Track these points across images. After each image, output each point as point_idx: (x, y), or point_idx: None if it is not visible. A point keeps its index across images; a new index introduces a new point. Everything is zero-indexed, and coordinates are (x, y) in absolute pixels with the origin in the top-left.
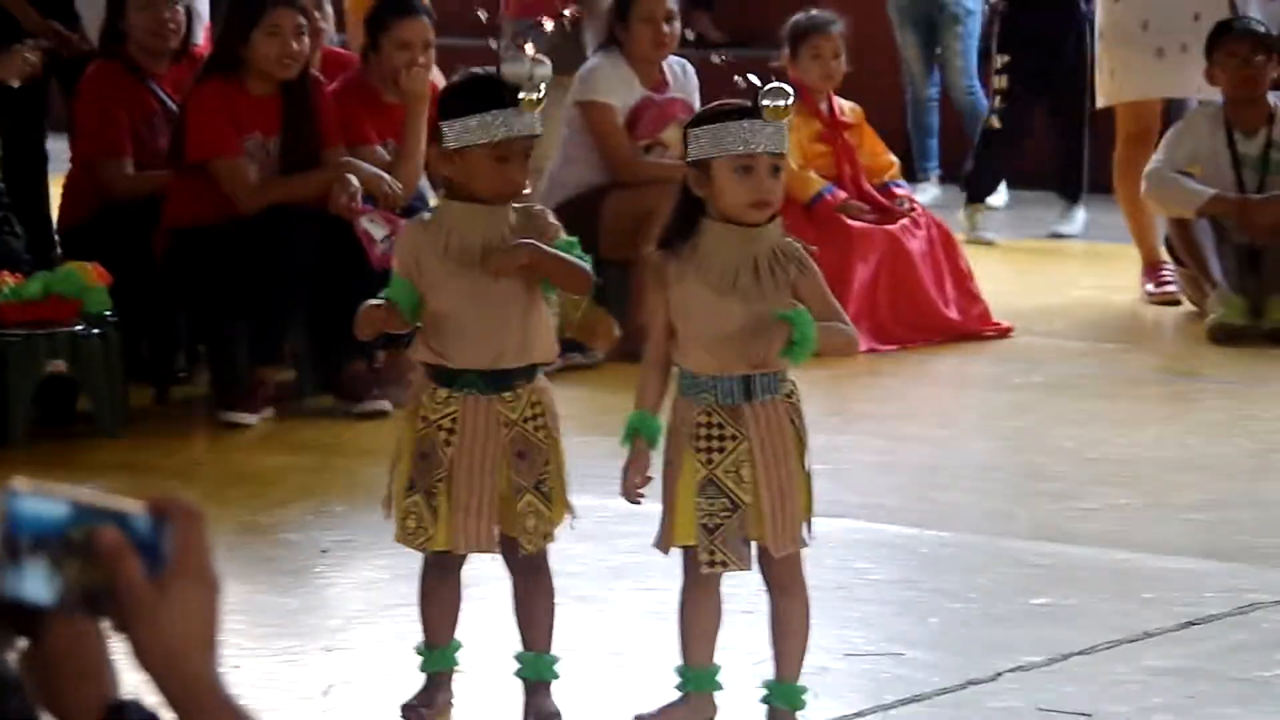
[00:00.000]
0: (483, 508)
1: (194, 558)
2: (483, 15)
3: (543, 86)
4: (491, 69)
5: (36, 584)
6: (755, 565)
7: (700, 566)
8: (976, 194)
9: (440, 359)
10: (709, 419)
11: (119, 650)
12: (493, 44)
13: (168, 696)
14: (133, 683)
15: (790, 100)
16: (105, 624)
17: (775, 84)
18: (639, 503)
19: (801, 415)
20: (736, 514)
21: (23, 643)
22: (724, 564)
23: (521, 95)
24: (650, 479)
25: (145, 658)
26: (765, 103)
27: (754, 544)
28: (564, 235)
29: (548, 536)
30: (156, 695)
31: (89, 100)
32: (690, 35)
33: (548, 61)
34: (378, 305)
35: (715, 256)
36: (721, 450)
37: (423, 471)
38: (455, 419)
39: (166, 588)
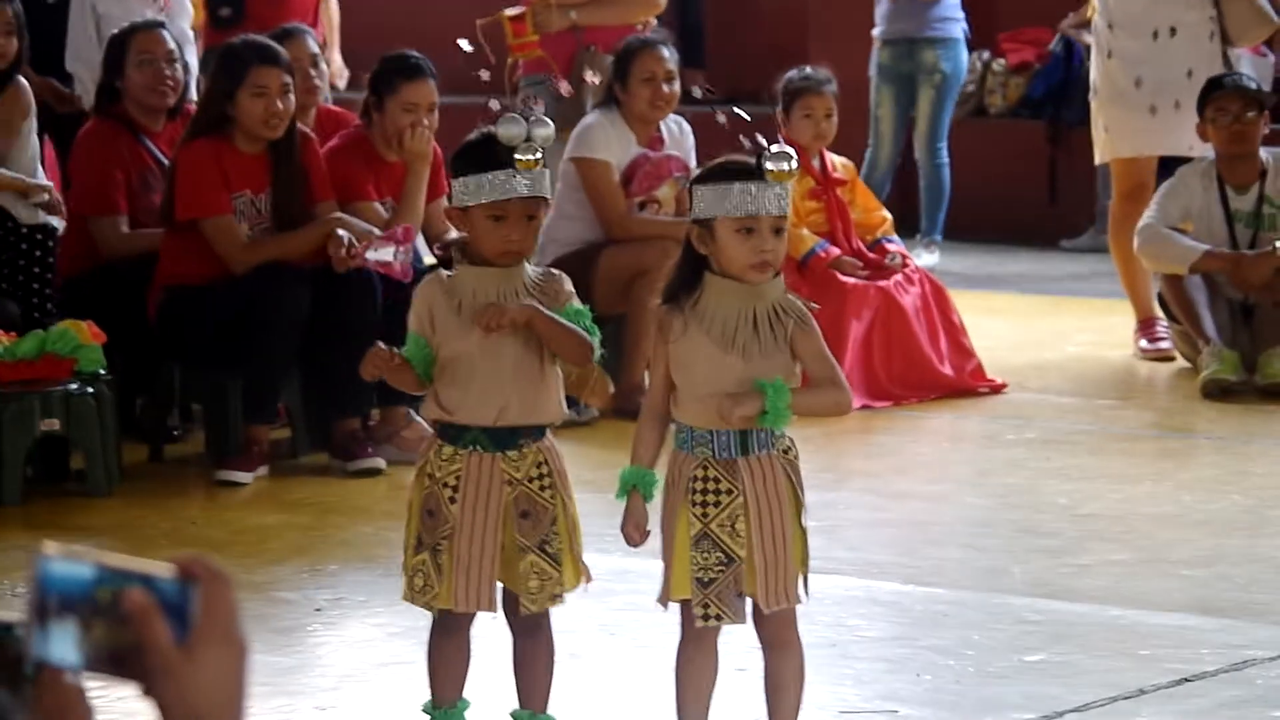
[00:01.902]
0: (484, 566)
1: (221, 620)
2: (484, 75)
3: (541, 147)
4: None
5: (63, 646)
6: (749, 621)
7: (695, 620)
8: None
9: (446, 415)
10: (705, 472)
11: (108, 716)
12: (493, 103)
13: None
14: None
15: (794, 163)
16: (132, 686)
17: (779, 146)
18: (638, 546)
19: (798, 472)
20: (731, 568)
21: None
22: (719, 617)
23: (518, 156)
24: (649, 533)
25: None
26: (769, 166)
27: (750, 599)
28: (576, 303)
29: (555, 599)
30: None
31: (84, 158)
32: (698, 92)
33: (550, 122)
34: (389, 351)
35: (718, 312)
36: (717, 504)
37: (429, 529)
38: (460, 476)
39: (193, 650)
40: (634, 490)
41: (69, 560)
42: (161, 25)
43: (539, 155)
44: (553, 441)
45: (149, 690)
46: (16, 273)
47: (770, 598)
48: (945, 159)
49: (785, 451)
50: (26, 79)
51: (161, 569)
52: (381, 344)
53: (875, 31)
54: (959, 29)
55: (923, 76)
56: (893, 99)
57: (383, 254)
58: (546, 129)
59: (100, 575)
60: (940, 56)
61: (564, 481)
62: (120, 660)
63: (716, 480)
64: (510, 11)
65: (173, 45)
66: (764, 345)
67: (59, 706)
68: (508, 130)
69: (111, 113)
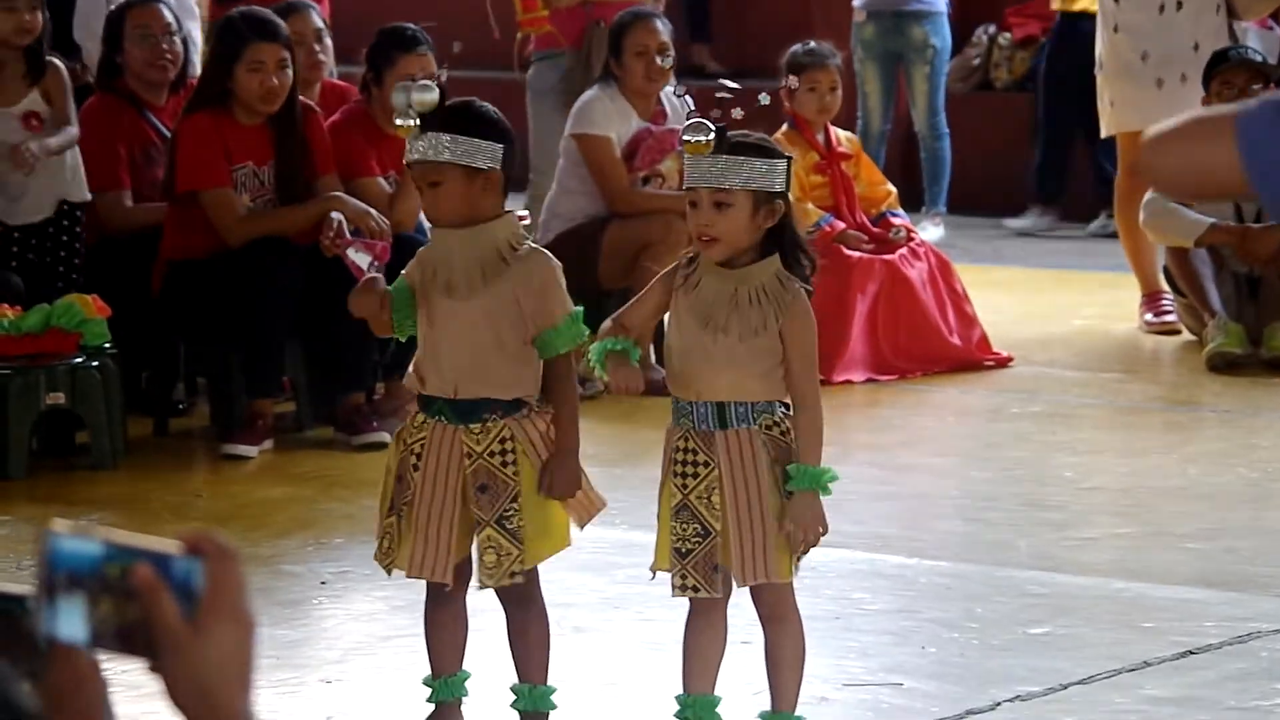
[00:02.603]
0: (440, 535)
1: (228, 596)
2: (456, 46)
3: (419, 112)
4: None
5: (71, 621)
6: (749, 596)
7: (673, 590)
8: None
9: (418, 385)
10: (685, 444)
11: (117, 693)
12: (455, 46)
13: None
14: None
15: (709, 135)
16: (139, 661)
17: (697, 119)
18: (634, 387)
19: (786, 447)
20: (708, 540)
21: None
22: (694, 589)
23: (398, 122)
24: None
25: (179, 695)
26: (685, 138)
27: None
28: (571, 308)
29: (514, 575)
30: None
31: (88, 133)
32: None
33: (434, 87)
34: (375, 289)
35: (704, 290)
36: (695, 476)
37: (398, 493)
38: (424, 444)
39: (201, 626)
40: (608, 357)
41: (78, 537)
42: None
43: (413, 123)
44: (531, 418)
45: (156, 665)
46: (45, 244)
47: (745, 572)
48: (945, 130)
49: (767, 428)
50: None
51: (169, 546)
52: (379, 278)
53: (857, 3)
54: (942, 2)
55: (913, 54)
56: (879, 73)
57: (360, 258)
58: (428, 94)
59: (109, 552)
60: (929, 32)
61: (534, 458)
62: (128, 636)
63: (695, 452)
64: None
65: (170, 18)
66: (746, 326)
67: (72, 680)
68: (394, 100)
69: (113, 87)
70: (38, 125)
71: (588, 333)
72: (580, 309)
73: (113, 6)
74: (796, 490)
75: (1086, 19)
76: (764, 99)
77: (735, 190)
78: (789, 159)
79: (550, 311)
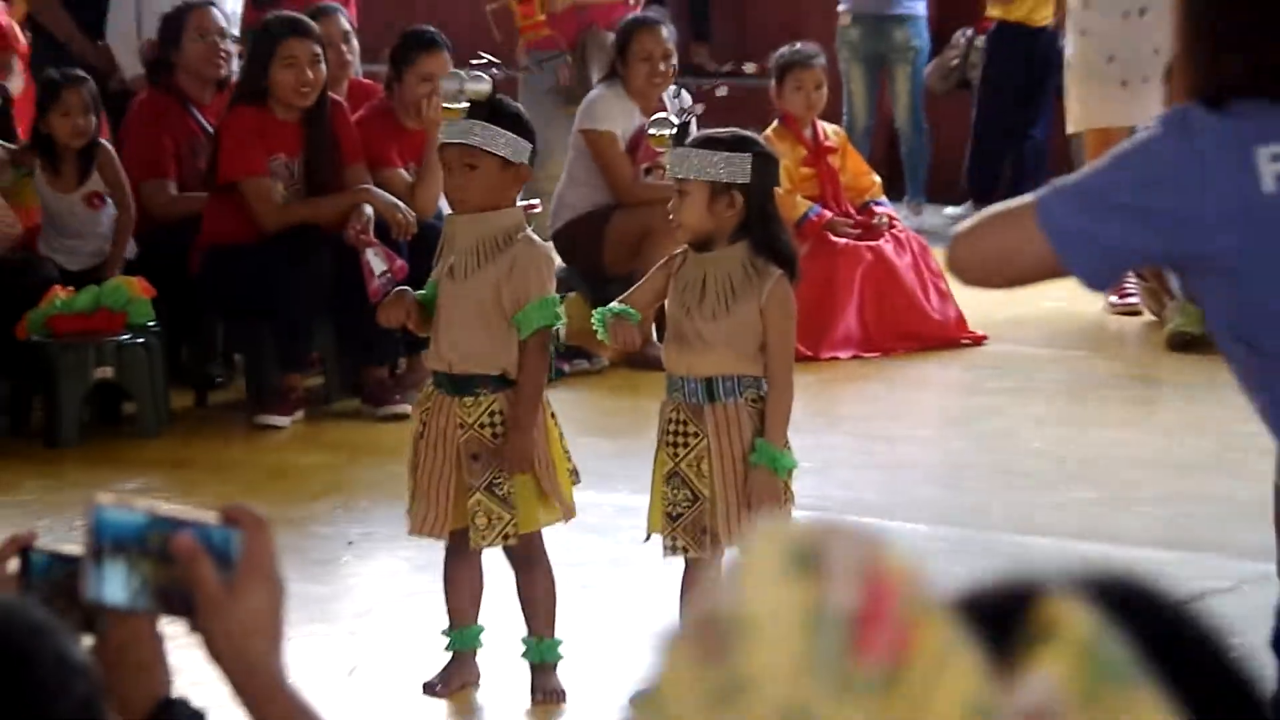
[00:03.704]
0: (438, 497)
1: (261, 561)
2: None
3: (470, 99)
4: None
5: (115, 585)
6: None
7: (664, 551)
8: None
9: (429, 360)
10: (677, 415)
11: (174, 652)
12: (494, 71)
13: (235, 685)
14: (183, 684)
15: (669, 130)
16: (178, 622)
17: (660, 115)
18: (636, 344)
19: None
20: (697, 505)
21: (88, 639)
22: (684, 549)
23: (445, 105)
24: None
25: (216, 650)
26: (650, 131)
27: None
28: (545, 293)
29: (508, 537)
30: (226, 686)
31: (137, 126)
32: (750, 67)
33: (487, 78)
34: (402, 301)
35: (684, 275)
36: (686, 445)
37: (410, 457)
38: (428, 414)
39: (236, 587)
40: (608, 318)
41: (122, 508)
42: (212, 3)
43: (464, 105)
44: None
45: (194, 625)
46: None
47: (732, 534)
48: (925, 125)
49: (754, 401)
50: (82, 46)
51: (208, 516)
52: (407, 289)
53: (842, 8)
54: (922, 6)
55: (896, 55)
56: (864, 74)
57: (376, 262)
58: (481, 84)
59: (151, 522)
60: (911, 34)
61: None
62: (168, 598)
63: (685, 424)
64: None
65: (224, 22)
66: (711, 308)
67: (129, 639)
68: (446, 85)
69: (164, 84)
70: (100, 203)
71: (563, 317)
72: (556, 295)
73: (167, 10)
74: (756, 464)
75: (1024, 28)
76: (722, 91)
77: (690, 180)
78: (760, 154)
79: (527, 292)
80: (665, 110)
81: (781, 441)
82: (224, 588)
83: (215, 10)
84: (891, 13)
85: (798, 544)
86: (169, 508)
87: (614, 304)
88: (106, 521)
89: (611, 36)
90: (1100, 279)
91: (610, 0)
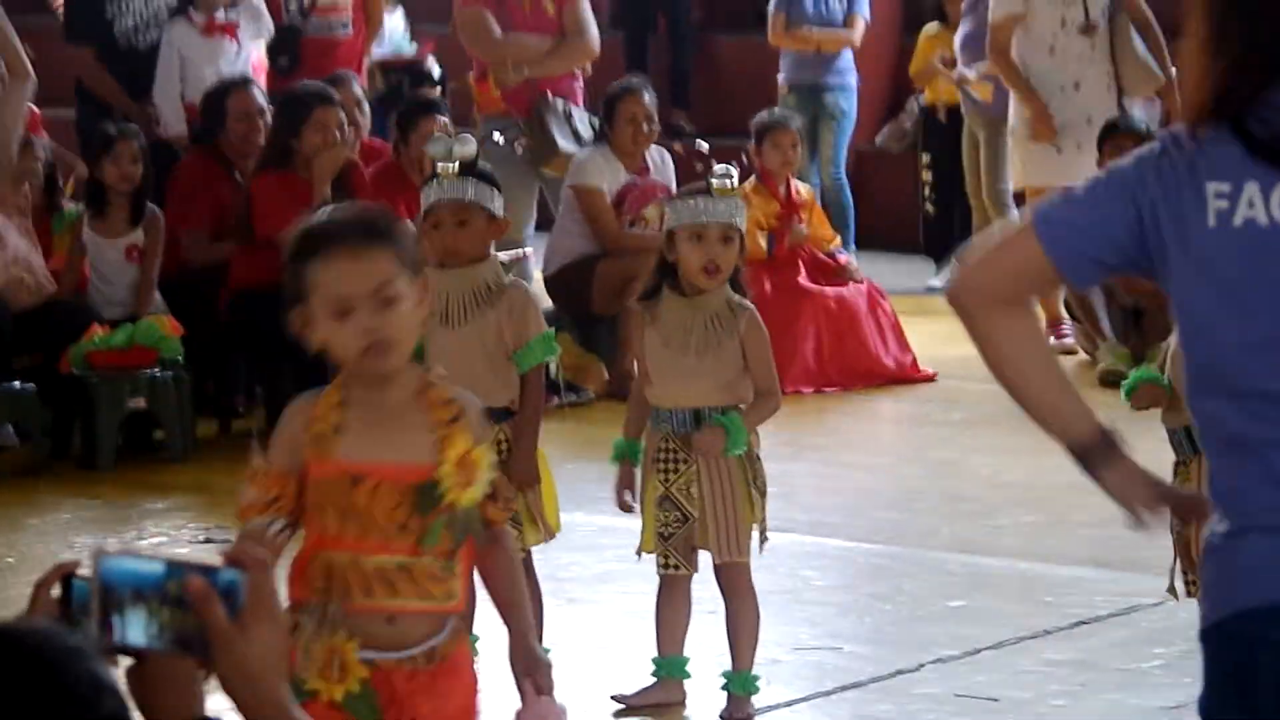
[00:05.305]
0: None
1: (265, 599)
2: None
3: (459, 161)
4: None
5: (136, 630)
6: (711, 573)
7: (657, 568)
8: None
9: None
10: (667, 444)
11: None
12: (496, 136)
13: (247, 715)
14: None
15: (734, 179)
16: (194, 661)
17: (724, 168)
18: (631, 511)
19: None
20: (687, 525)
21: (129, 662)
22: (676, 567)
23: (439, 165)
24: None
25: (229, 684)
26: (714, 181)
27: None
28: (542, 329)
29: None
30: (239, 716)
31: (183, 183)
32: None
33: (472, 140)
34: None
35: (668, 320)
36: (676, 471)
37: None
38: None
39: (244, 626)
40: (624, 459)
41: (133, 557)
42: (251, 82)
43: (455, 165)
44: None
45: (208, 664)
46: None
47: (721, 550)
48: (845, 180)
49: None
50: (127, 106)
51: (215, 560)
52: None
53: (781, 78)
54: (853, 78)
55: (825, 118)
56: (804, 137)
57: None
58: (467, 146)
59: (168, 570)
60: (840, 99)
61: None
62: (186, 641)
63: (675, 451)
64: (474, 75)
65: (262, 101)
66: (714, 343)
67: (164, 661)
68: (433, 148)
69: (208, 147)
70: (137, 257)
71: (558, 349)
72: (551, 330)
73: (212, 80)
74: (718, 422)
75: (949, 110)
76: (704, 147)
77: (737, 227)
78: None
79: (527, 330)
80: (649, 166)
81: (753, 425)
82: (235, 627)
83: (253, 90)
84: (825, 81)
85: None
86: (181, 556)
87: (624, 440)
88: (124, 572)
89: (561, 102)
90: (1081, 272)
91: (558, 73)
